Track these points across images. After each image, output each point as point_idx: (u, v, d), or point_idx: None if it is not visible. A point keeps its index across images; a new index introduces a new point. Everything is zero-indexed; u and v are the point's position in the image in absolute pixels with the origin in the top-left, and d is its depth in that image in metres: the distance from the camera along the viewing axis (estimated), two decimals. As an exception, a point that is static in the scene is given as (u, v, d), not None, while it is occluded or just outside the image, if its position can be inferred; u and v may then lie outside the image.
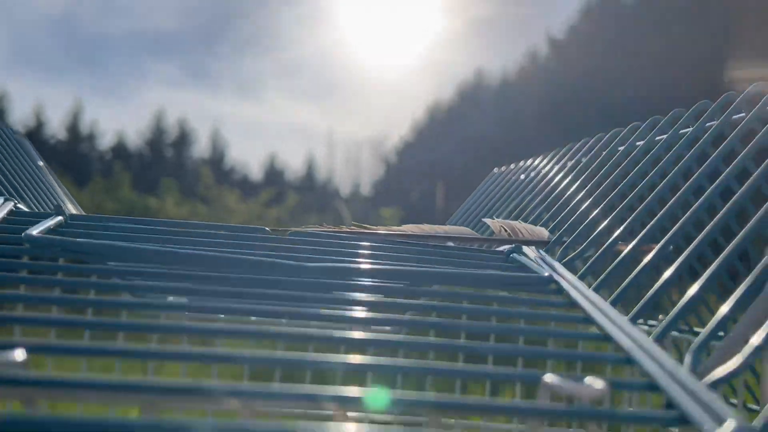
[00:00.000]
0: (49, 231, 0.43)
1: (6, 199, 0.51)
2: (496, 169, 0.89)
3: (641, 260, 0.42)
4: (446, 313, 0.35)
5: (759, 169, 0.42)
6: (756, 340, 0.27)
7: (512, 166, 0.83)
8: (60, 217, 0.46)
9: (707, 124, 0.55)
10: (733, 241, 0.37)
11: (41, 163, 0.78)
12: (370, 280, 0.40)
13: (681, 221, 0.43)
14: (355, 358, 0.26)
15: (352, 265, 0.41)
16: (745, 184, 0.42)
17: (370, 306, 0.36)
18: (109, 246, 0.40)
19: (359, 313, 0.36)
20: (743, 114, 0.51)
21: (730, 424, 0.23)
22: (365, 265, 0.42)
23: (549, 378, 0.27)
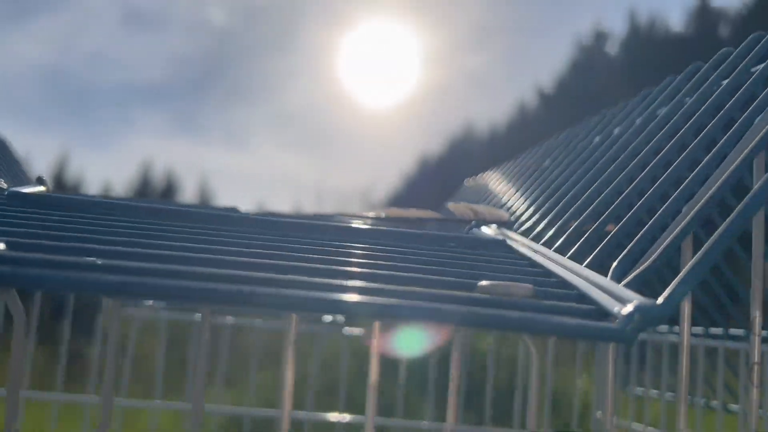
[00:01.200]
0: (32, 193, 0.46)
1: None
2: (466, 181, 0.92)
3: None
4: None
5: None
6: (667, 243, 0.30)
7: (479, 174, 0.86)
8: (43, 187, 0.49)
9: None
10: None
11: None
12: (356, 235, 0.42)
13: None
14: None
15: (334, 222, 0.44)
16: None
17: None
18: (92, 201, 0.42)
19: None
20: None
21: (634, 303, 0.25)
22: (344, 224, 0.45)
23: (484, 282, 0.30)
